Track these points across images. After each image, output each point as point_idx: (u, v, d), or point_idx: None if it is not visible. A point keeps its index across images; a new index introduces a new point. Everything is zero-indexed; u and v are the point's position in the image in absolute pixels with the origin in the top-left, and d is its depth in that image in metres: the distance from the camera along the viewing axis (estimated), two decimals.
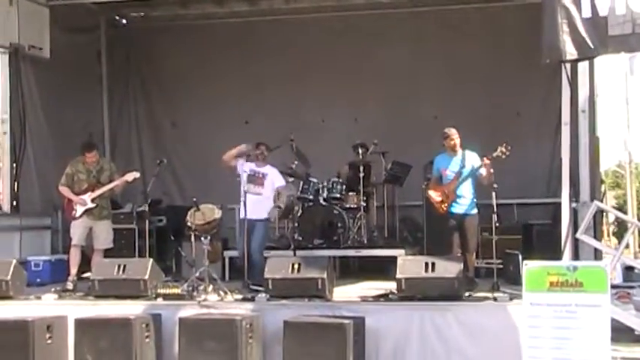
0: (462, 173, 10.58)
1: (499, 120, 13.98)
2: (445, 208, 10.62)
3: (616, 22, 8.25)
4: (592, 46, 8.42)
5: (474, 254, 10.79)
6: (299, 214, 12.76)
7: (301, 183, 12.82)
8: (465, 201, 10.60)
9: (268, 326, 9.10)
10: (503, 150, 10.26)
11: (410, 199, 13.71)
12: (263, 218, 11.33)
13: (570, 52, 8.52)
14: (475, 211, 10.69)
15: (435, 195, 10.74)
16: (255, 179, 11.30)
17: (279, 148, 12.14)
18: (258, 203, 11.14)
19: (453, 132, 10.69)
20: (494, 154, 10.30)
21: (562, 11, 8.44)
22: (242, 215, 11.06)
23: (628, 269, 11.41)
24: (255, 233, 11.17)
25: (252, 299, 9.65)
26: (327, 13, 15.07)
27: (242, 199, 10.97)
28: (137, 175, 11.47)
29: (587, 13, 8.33)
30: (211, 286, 10.14)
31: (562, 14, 8.43)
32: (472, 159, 10.63)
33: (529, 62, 10.90)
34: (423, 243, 12.98)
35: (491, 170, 10.35)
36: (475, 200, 10.67)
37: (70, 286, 10.98)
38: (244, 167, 11.33)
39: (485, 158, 10.38)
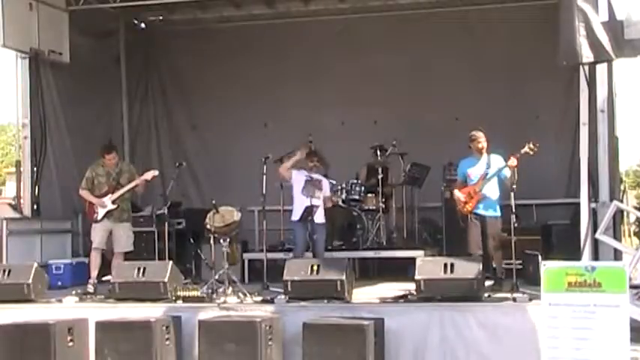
0: (488, 174, 10.56)
1: (518, 121, 13.92)
2: (470, 209, 10.60)
3: (633, 25, 8.24)
4: (608, 50, 8.43)
5: (500, 252, 10.73)
6: None
7: None
8: (489, 202, 10.58)
9: (288, 328, 9.10)
10: (532, 147, 10.20)
11: (429, 201, 13.69)
12: (323, 222, 11.45)
13: (587, 55, 8.53)
14: (498, 212, 10.65)
15: (460, 195, 10.69)
16: (316, 183, 11.41)
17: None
18: (319, 207, 11.28)
19: (480, 135, 10.66)
20: (523, 151, 10.23)
21: (579, 14, 8.44)
22: (296, 218, 11.29)
23: None
24: (320, 236, 11.28)
25: (272, 301, 9.68)
26: (346, 15, 15.11)
27: (299, 203, 11.21)
28: (156, 172, 11.50)
29: (604, 16, 8.34)
30: (231, 289, 10.16)
31: (579, 17, 8.44)
32: (497, 161, 10.59)
33: (547, 62, 10.88)
34: (442, 244, 12.98)
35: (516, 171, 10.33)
36: (499, 202, 10.65)
37: (90, 289, 11.03)
38: (299, 176, 11.42)
39: (512, 157, 10.32)
